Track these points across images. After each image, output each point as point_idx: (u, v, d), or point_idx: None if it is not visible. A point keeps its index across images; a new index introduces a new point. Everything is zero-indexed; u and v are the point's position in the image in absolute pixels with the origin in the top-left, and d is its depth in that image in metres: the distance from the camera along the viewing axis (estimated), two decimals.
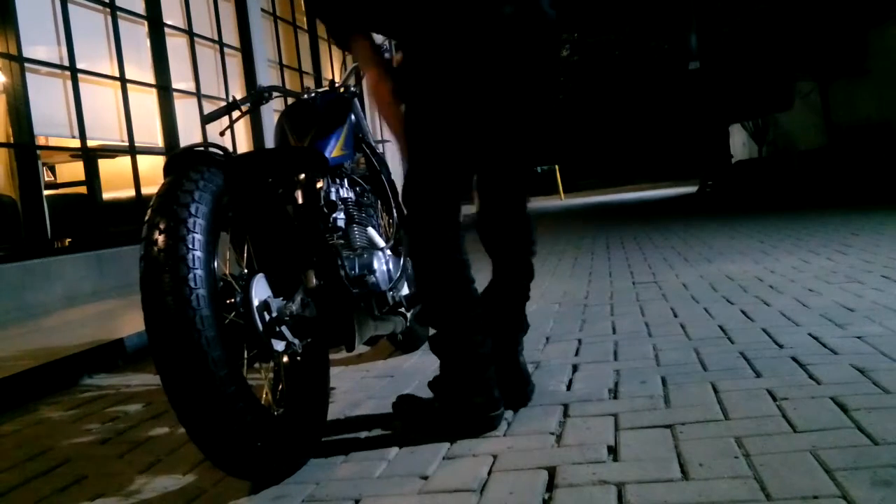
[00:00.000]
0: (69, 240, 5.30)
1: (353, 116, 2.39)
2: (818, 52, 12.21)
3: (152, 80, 6.20)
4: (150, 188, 5.74)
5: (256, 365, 1.70)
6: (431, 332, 1.86)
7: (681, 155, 24.97)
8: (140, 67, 6.08)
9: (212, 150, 1.65)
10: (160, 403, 2.39)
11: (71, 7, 5.29)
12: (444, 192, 1.82)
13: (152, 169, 6.00)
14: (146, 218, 1.47)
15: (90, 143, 5.36)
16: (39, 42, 5.06)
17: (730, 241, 5.44)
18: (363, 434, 1.87)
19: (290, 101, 2.40)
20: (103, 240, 5.33)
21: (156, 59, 6.23)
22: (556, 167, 22.38)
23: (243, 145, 7.56)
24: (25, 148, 4.75)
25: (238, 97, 2.44)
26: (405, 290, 2.59)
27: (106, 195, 5.58)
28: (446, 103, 1.74)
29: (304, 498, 1.51)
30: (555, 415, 1.84)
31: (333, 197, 2.13)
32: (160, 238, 1.42)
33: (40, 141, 5.04)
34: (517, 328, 1.99)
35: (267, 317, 1.64)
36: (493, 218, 2.01)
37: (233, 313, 1.59)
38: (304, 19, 10.04)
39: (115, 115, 5.71)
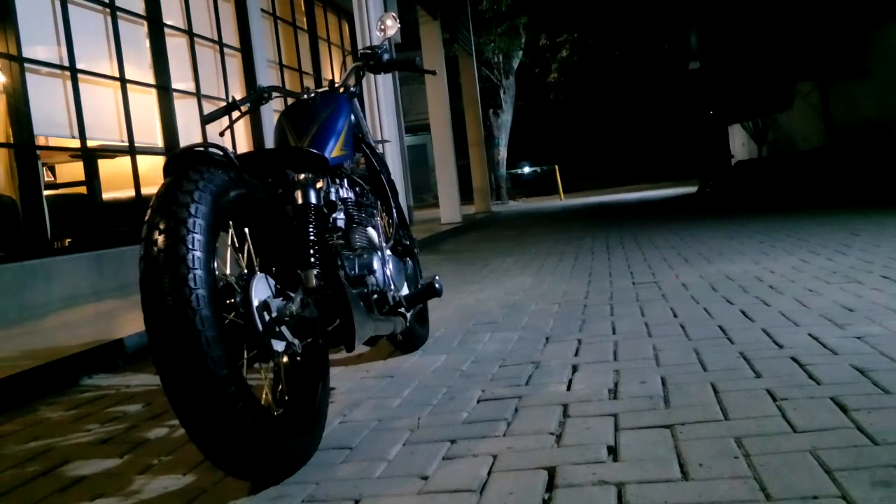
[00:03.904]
0: (69, 240, 5.30)
1: (352, 116, 2.39)
2: (818, 52, 12.21)
3: (152, 80, 6.20)
4: (150, 188, 5.74)
5: (256, 365, 1.70)
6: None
7: (681, 155, 24.97)
8: (140, 67, 6.08)
9: (212, 150, 1.64)
10: (160, 403, 2.39)
11: (71, 7, 5.29)
12: None
13: (152, 169, 6.00)
14: (146, 218, 1.47)
15: (90, 144, 5.36)
16: (39, 42, 5.06)
17: (730, 241, 5.44)
18: (363, 434, 1.87)
19: (290, 101, 2.40)
20: (103, 240, 5.33)
21: (156, 59, 6.23)
22: (556, 167, 22.37)
23: (243, 145, 7.56)
24: (25, 148, 4.75)
25: (238, 97, 2.44)
26: (405, 290, 2.60)
27: (106, 195, 5.57)
28: None
29: (304, 498, 1.51)
30: (555, 415, 1.84)
31: (333, 197, 2.13)
32: (160, 238, 1.42)
33: (40, 141, 5.04)
34: None
35: (267, 317, 1.64)
36: None
37: (233, 313, 1.59)
38: (304, 19, 10.05)
39: (114, 115, 5.71)
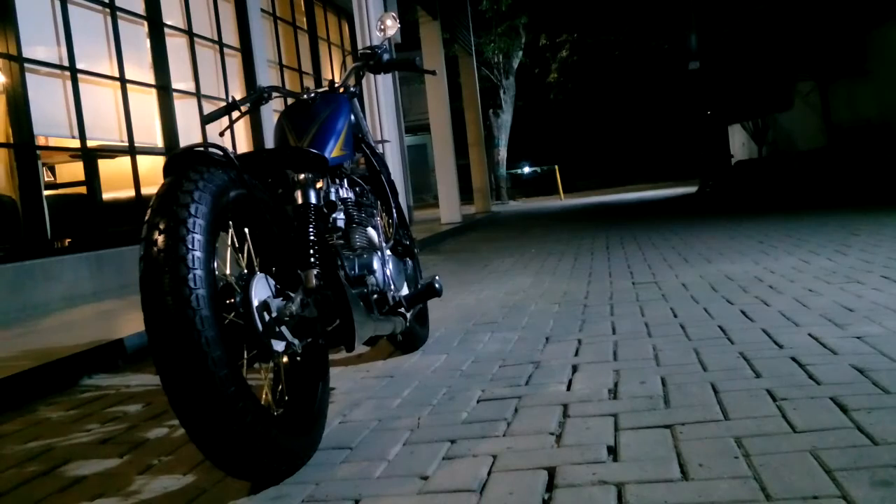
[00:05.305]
0: (69, 240, 5.30)
1: (352, 116, 2.39)
2: (818, 52, 12.21)
3: (152, 80, 6.20)
4: (150, 188, 5.74)
5: (256, 365, 1.70)
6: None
7: (681, 155, 24.98)
8: (140, 67, 6.08)
9: (212, 150, 1.64)
10: (160, 403, 2.39)
11: (71, 7, 5.29)
12: None
13: (152, 169, 6.00)
14: (146, 218, 1.47)
15: (90, 143, 5.36)
16: (39, 42, 5.05)
17: (729, 241, 5.44)
18: (363, 434, 1.87)
19: (290, 101, 2.40)
20: (103, 240, 5.33)
21: (156, 59, 6.23)
22: (556, 167, 22.37)
23: (243, 145, 7.56)
24: (25, 148, 4.75)
25: (238, 97, 2.44)
26: (405, 290, 2.60)
27: (106, 195, 5.57)
28: None
29: (303, 498, 1.51)
30: (555, 415, 1.84)
31: (333, 197, 2.12)
32: (160, 238, 1.42)
33: (40, 141, 5.04)
34: None
35: (267, 317, 1.64)
36: None
37: (233, 313, 1.59)
38: (304, 19, 10.05)
39: (114, 115, 5.71)
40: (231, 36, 7.56)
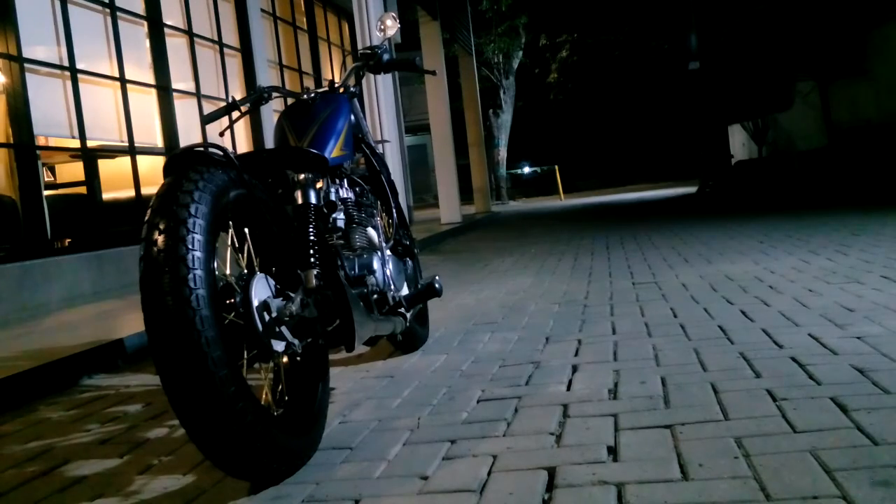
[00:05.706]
0: (69, 240, 5.30)
1: (352, 116, 2.39)
2: (818, 52, 12.21)
3: (152, 81, 6.20)
4: (150, 188, 5.74)
5: (256, 365, 1.70)
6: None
7: (681, 155, 24.98)
8: (140, 67, 6.08)
9: (212, 150, 1.64)
10: (160, 403, 2.39)
11: (71, 7, 5.29)
12: None
13: (152, 169, 6.00)
14: (146, 218, 1.47)
15: (90, 144, 5.36)
16: (39, 42, 5.06)
17: (729, 241, 5.44)
18: (363, 434, 1.87)
19: (290, 101, 2.40)
20: (103, 240, 5.33)
21: (155, 60, 6.23)
22: (556, 167, 22.37)
23: (243, 145, 7.56)
24: (25, 148, 4.75)
25: (238, 97, 2.44)
26: (405, 291, 2.60)
27: (106, 195, 5.58)
28: None
29: (303, 498, 1.51)
30: (555, 415, 1.84)
31: (333, 197, 2.13)
32: (160, 238, 1.42)
33: (40, 141, 5.04)
34: None
35: (267, 317, 1.64)
36: None
37: (233, 313, 1.59)
38: (304, 19, 10.05)
39: (114, 115, 5.71)
40: (231, 36, 7.56)
